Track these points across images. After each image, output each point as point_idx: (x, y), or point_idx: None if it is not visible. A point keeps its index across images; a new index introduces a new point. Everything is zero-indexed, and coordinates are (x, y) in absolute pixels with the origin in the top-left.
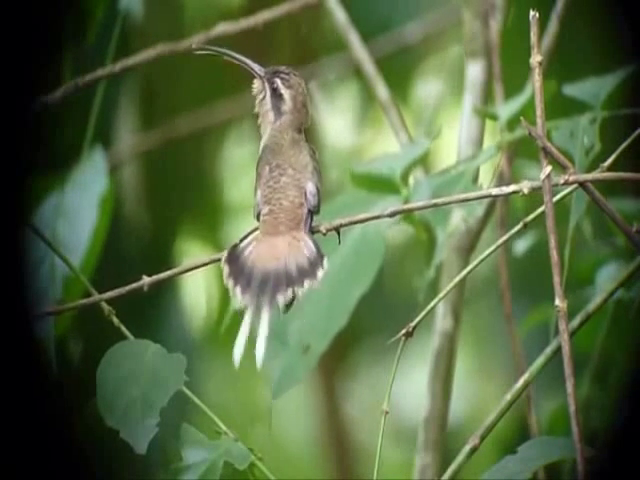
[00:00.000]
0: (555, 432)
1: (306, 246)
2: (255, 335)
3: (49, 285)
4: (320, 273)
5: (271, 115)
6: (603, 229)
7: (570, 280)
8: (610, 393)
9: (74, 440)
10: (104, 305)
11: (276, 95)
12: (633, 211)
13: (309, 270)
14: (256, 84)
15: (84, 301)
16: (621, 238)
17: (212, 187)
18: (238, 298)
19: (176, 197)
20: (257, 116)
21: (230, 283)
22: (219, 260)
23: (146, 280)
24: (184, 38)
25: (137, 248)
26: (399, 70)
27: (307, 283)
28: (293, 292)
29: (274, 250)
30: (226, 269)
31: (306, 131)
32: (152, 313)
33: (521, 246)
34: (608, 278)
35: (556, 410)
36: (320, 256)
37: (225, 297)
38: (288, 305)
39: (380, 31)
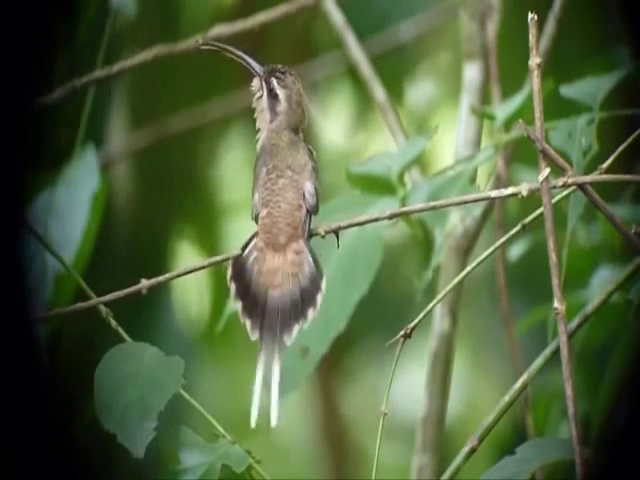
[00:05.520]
0: (538, 420)
1: (308, 262)
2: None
3: (40, 283)
4: (319, 298)
5: (267, 115)
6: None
7: (564, 282)
8: (601, 387)
9: (72, 443)
10: (102, 308)
11: (272, 95)
12: (630, 213)
13: (311, 295)
14: (255, 82)
15: (82, 305)
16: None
17: (206, 186)
18: (249, 333)
19: (170, 196)
20: (254, 112)
21: (239, 309)
22: (217, 264)
23: (145, 283)
24: (178, 38)
25: (130, 247)
26: (393, 70)
27: (310, 313)
28: (300, 327)
29: (278, 273)
30: (232, 286)
31: (303, 132)
32: (147, 315)
33: (515, 251)
34: (603, 280)
35: (535, 397)
36: (320, 276)
37: (218, 298)
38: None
39: (374, 30)
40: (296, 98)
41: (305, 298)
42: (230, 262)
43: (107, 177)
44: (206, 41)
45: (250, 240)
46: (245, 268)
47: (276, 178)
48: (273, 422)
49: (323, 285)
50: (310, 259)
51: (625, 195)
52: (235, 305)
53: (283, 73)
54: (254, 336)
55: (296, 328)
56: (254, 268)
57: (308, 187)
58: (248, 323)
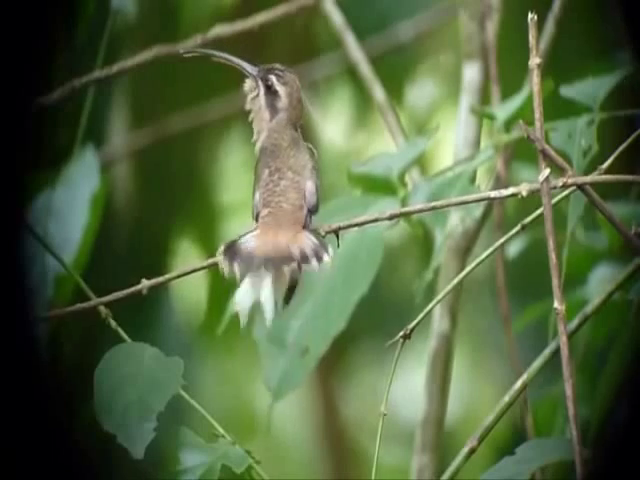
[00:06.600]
0: (543, 423)
1: (309, 238)
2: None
3: (40, 283)
4: (327, 257)
5: (267, 114)
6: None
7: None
8: (599, 387)
9: (71, 443)
10: (102, 308)
11: (271, 92)
12: (629, 213)
13: (314, 254)
14: (248, 83)
15: (82, 305)
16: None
17: (206, 186)
18: (236, 273)
19: (170, 196)
20: (249, 115)
21: (226, 263)
22: (217, 264)
23: (145, 284)
24: (178, 38)
25: (130, 246)
26: (393, 70)
27: (314, 262)
28: (299, 267)
29: (275, 239)
30: (223, 258)
31: (301, 128)
32: (147, 315)
33: (513, 249)
34: (602, 278)
35: (540, 400)
36: (324, 245)
37: (218, 299)
38: (289, 293)
39: (374, 30)
40: (296, 94)
41: (305, 254)
42: (223, 243)
43: (107, 177)
44: (189, 49)
45: (248, 232)
46: (239, 245)
47: (278, 180)
48: (268, 321)
49: (331, 250)
50: (313, 238)
51: (630, 195)
52: (222, 264)
53: (282, 70)
54: (234, 269)
55: (296, 264)
56: (250, 242)
57: (309, 186)
58: (227, 263)
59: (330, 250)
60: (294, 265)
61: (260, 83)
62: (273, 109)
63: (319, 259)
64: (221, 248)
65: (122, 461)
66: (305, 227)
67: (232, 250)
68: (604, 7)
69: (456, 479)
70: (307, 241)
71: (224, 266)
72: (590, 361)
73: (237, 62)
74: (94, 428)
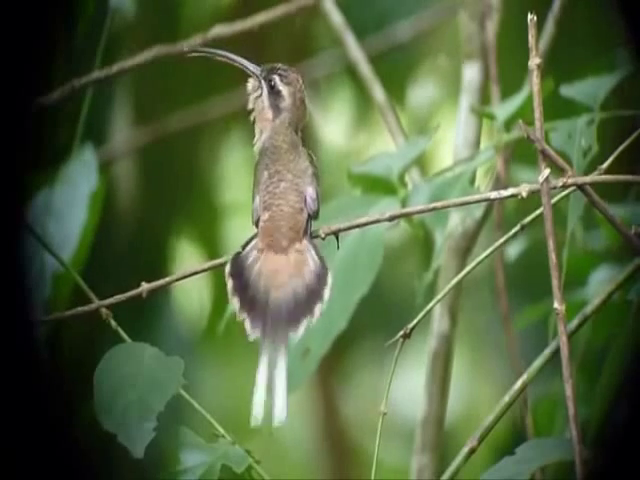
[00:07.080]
0: (542, 424)
1: (312, 260)
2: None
3: (39, 283)
4: (327, 293)
5: (270, 113)
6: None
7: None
8: (598, 387)
9: (72, 443)
10: (102, 309)
11: (274, 92)
12: (629, 213)
13: (317, 291)
14: (251, 82)
15: (84, 308)
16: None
17: (207, 185)
18: (248, 331)
19: (171, 195)
20: (251, 115)
21: (236, 306)
22: (218, 266)
23: (145, 287)
24: (178, 38)
25: (131, 245)
26: (393, 70)
27: (317, 309)
28: (307, 323)
29: (280, 274)
30: (230, 283)
31: (302, 131)
32: (147, 315)
33: (513, 249)
34: (602, 279)
35: (537, 402)
36: (325, 271)
37: (219, 299)
38: None
39: (374, 30)
40: (299, 94)
41: (311, 295)
42: (229, 258)
43: (106, 176)
44: (193, 48)
45: (250, 240)
46: (244, 267)
47: (278, 182)
48: (281, 419)
49: (329, 279)
50: (314, 255)
51: (630, 195)
52: (232, 300)
53: (285, 70)
54: (254, 334)
55: (303, 324)
56: (254, 268)
57: (310, 192)
58: (247, 321)
59: (329, 279)
60: (302, 329)
61: (263, 83)
62: (276, 109)
63: (321, 298)
64: (227, 268)
65: (122, 461)
66: (305, 232)
67: (238, 278)
68: (604, 7)
69: (456, 479)
70: (311, 268)
71: (236, 311)
72: (590, 361)
73: (240, 61)
74: (94, 428)
